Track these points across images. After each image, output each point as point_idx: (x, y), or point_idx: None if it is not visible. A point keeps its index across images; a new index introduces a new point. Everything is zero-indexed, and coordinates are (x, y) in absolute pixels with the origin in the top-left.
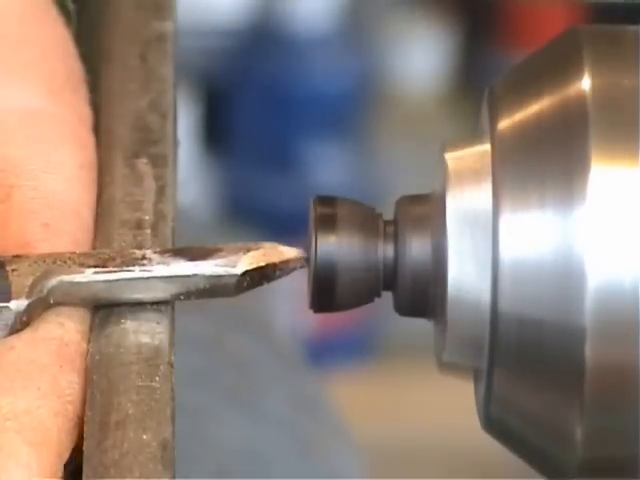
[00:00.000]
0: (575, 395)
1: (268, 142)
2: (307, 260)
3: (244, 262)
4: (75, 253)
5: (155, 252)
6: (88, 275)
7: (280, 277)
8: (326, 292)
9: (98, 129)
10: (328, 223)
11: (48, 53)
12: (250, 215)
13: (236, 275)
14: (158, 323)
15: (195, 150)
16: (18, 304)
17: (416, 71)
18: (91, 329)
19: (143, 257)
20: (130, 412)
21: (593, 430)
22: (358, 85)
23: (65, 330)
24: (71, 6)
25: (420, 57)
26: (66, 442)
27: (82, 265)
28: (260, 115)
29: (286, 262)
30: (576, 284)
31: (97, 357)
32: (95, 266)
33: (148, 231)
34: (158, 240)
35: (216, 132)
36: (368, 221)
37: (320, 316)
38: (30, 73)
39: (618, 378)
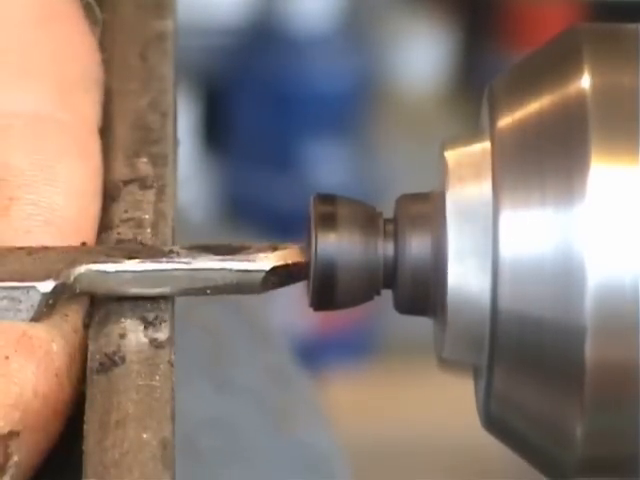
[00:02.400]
0: (575, 393)
1: (268, 141)
2: (308, 251)
3: (272, 259)
4: (103, 246)
5: (183, 247)
6: (116, 265)
7: (305, 279)
8: (326, 290)
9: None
10: (328, 221)
11: (60, 54)
12: (250, 214)
13: (263, 271)
14: (159, 323)
15: (195, 149)
16: (45, 285)
17: (416, 71)
18: (90, 328)
19: (170, 251)
20: (130, 411)
21: (593, 429)
22: (358, 84)
23: (32, 327)
24: (99, 15)
25: (420, 56)
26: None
27: (109, 256)
28: (260, 114)
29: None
30: (576, 282)
31: (97, 356)
32: (122, 257)
33: (148, 230)
34: (158, 240)
35: (216, 131)
36: (368, 219)
37: (320, 314)
38: (39, 75)
39: (618, 376)
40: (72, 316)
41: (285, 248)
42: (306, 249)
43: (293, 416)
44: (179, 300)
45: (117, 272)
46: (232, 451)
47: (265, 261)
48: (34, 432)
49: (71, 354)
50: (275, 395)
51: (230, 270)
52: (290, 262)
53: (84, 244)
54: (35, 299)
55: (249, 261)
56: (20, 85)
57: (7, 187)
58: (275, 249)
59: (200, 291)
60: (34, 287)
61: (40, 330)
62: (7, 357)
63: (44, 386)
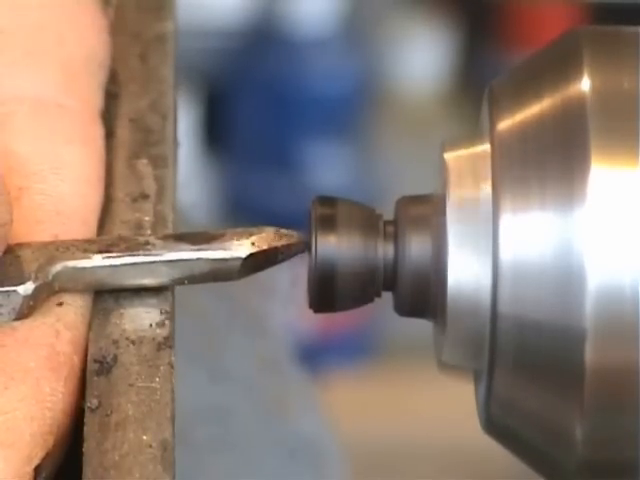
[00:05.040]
0: (575, 396)
1: (268, 143)
2: (308, 253)
3: (247, 246)
4: (78, 240)
5: (158, 238)
6: (92, 260)
7: (282, 261)
8: (326, 292)
9: None
10: (328, 223)
11: (66, 36)
12: (250, 215)
13: (240, 258)
14: (158, 324)
15: (195, 150)
16: (25, 288)
17: (416, 71)
18: (91, 330)
19: (146, 243)
20: (130, 413)
21: (593, 431)
22: (358, 85)
23: (59, 340)
24: None
25: (420, 57)
26: (38, 447)
27: (86, 251)
28: (260, 116)
29: (288, 246)
30: (576, 285)
31: (96, 358)
32: (99, 252)
33: (148, 232)
34: None
35: (216, 133)
36: (368, 221)
37: (320, 316)
38: (44, 59)
39: (618, 379)
40: (86, 316)
41: (261, 233)
42: (281, 234)
43: (284, 403)
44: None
45: (94, 267)
46: (225, 439)
47: (241, 249)
48: (60, 445)
49: (85, 355)
50: (268, 383)
51: (207, 260)
52: (266, 247)
53: (90, 234)
54: (17, 302)
55: (225, 250)
56: (24, 69)
57: (16, 176)
58: (251, 235)
59: (178, 281)
60: (15, 291)
61: (65, 344)
62: (38, 381)
63: (70, 402)
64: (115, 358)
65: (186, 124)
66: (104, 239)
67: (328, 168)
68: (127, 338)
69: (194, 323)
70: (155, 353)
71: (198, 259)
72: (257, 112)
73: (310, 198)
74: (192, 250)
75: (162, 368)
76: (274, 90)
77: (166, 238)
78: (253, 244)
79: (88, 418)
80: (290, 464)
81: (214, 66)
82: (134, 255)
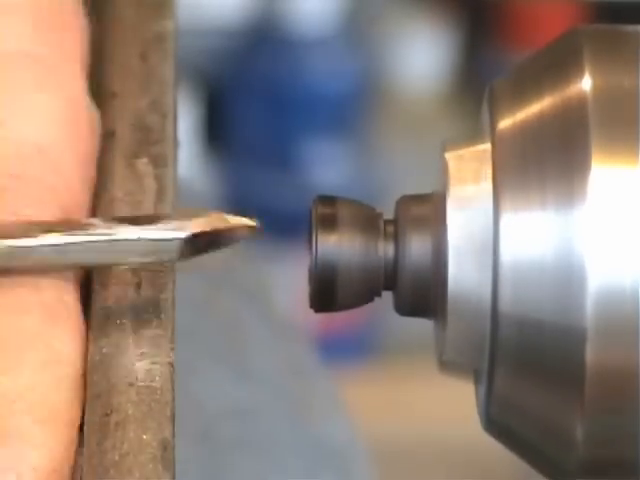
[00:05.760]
0: (576, 396)
1: (268, 142)
2: (309, 252)
3: (189, 227)
4: (20, 221)
5: (101, 220)
6: (33, 240)
7: (227, 245)
8: (326, 292)
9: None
10: (328, 223)
11: None
12: (250, 215)
13: (180, 239)
14: (158, 323)
15: (195, 150)
16: None
17: (416, 71)
18: (90, 329)
19: (88, 224)
20: (130, 412)
21: (594, 431)
22: (358, 85)
23: (42, 292)
24: None
25: (420, 57)
26: (75, 408)
27: (27, 231)
28: (260, 115)
29: (232, 229)
30: (577, 285)
31: (97, 357)
32: (41, 232)
33: None
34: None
35: (216, 132)
36: (368, 221)
37: (321, 316)
38: (13, 9)
39: (619, 379)
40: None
41: (205, 215)
42: (227, 218)
43: (311, 407)
44: (197, 290)
45: (35, 247)
46: (250, 441)
47: (182, 229)
48: None
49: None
50: (293, 386)
51: (147, 240)
52: (209, 229)
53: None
54: None
55: (166, 230)
56: None
57: None
58: (194, 216)
59: (121, 261)
60: None
61: (51, 289)
62: (47, 342)
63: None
64: (115, 356)
65: (186, 123)
66: (45, 222)
67: (328, 167)
68: (127, 337)
69: (219, 325)
70: (155, 352)
71: (138, 239)
72: (257, 111)
73: (311, 197)
74: (133, 230)
75: (162, 367)
76: (274, 89)
77: (111, 220)
78: (196, 225)
79: (88, 417)
80: (315, 467)
81: (214, 65)
82: (75, 234)
